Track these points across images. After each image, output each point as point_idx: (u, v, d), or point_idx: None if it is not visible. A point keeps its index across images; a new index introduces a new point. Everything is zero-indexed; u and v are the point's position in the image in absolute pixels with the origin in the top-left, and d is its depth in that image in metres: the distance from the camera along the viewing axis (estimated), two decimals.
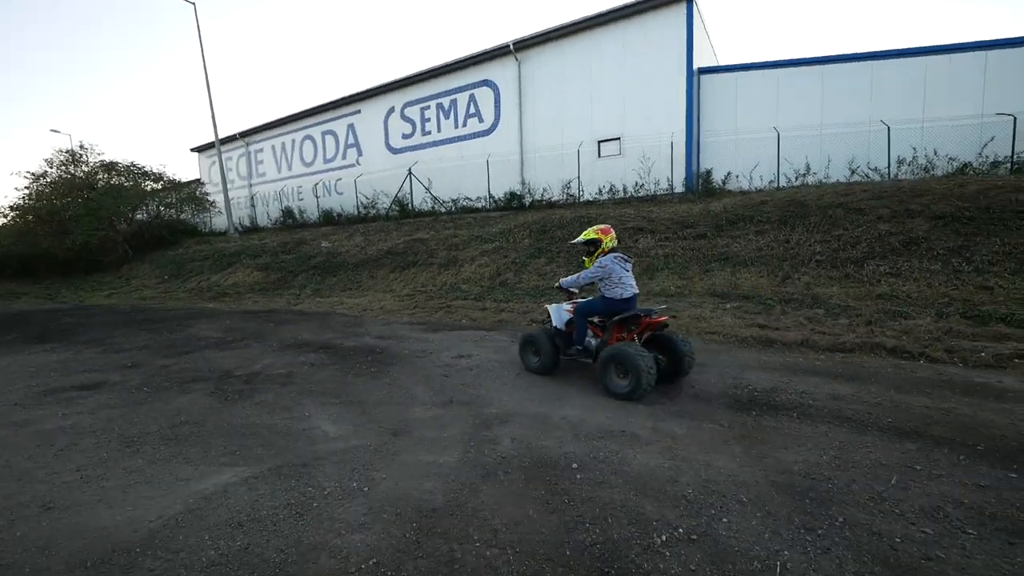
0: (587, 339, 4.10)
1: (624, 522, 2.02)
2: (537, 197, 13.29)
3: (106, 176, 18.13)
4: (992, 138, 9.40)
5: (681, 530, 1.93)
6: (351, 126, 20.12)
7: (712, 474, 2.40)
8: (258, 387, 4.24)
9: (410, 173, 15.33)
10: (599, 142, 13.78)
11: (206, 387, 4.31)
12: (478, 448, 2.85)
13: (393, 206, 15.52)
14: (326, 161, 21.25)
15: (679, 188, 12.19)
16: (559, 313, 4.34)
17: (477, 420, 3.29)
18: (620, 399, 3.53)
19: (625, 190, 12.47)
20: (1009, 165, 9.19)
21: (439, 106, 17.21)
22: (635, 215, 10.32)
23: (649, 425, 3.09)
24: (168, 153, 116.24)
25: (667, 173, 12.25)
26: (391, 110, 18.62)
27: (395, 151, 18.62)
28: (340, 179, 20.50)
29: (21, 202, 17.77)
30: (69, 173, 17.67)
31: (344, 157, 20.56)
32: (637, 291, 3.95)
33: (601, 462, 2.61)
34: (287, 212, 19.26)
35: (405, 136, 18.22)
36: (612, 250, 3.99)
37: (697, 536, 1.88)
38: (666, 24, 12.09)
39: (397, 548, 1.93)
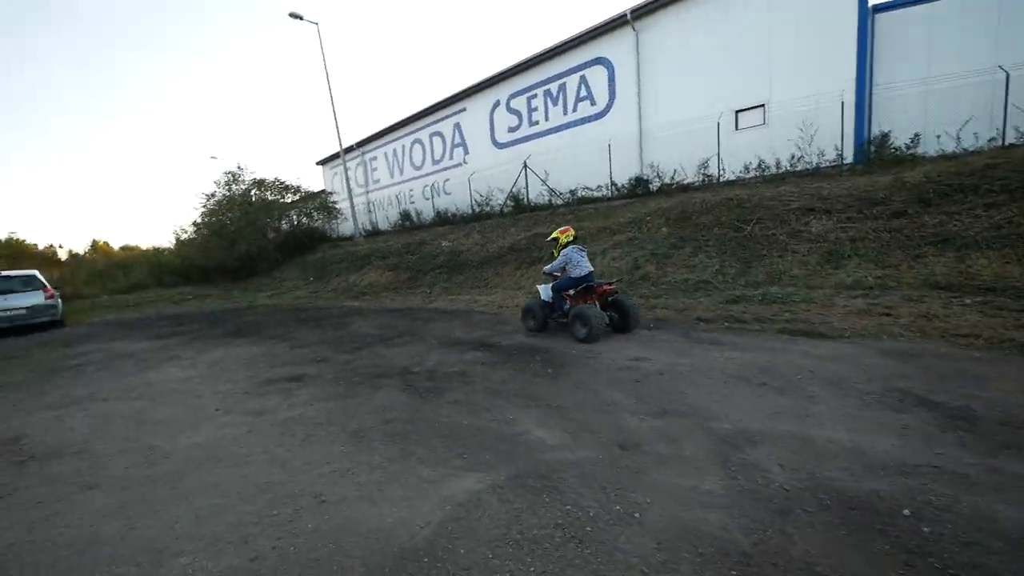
0: (564, 306, 5.80)
1: None
2: (666, 180, 12.21)
3: (258, 192, 20.95)
4: None
5: None
6: (457, 125, 20.33)
7: None
8: (442, 385, 4.23)
9: (525, 166, 15.21)
10: (736, 112, 12.11)
11: (394, 383, 4.42)
12: (744, 474, 2.37)
13: (508, 201, 15.53)
14: (434, 163, 21.88)
15: (850, 158, 10.28)
16: (546, 291, 5.99)
17: (714, 437, 2.81)
18: (581, 341, 5.24)
19: (779, 164, 10.88)
20: None
21: (547, 93, 16.49)
22: (798, 193, 8.88)
23: (971, 461, 2.34)
24: (291, 167, 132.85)
25: (835, 141, 10.35)
26: (496, 103, 18.34)
27: (500, 146, 18.38)
28: (448, 179, 21.05)
29: (200, 220, 21.43)
30: (232, 191, 20.73)
31: (451, 157, 20.97)
32: (592, 269, 5.64)
33: (943, 511, 1.97)
34: (404, 215, 20.47)
35: (511, 129, 17.88)
36: (571, 243, 5.77)
37: None
38: None
39: None
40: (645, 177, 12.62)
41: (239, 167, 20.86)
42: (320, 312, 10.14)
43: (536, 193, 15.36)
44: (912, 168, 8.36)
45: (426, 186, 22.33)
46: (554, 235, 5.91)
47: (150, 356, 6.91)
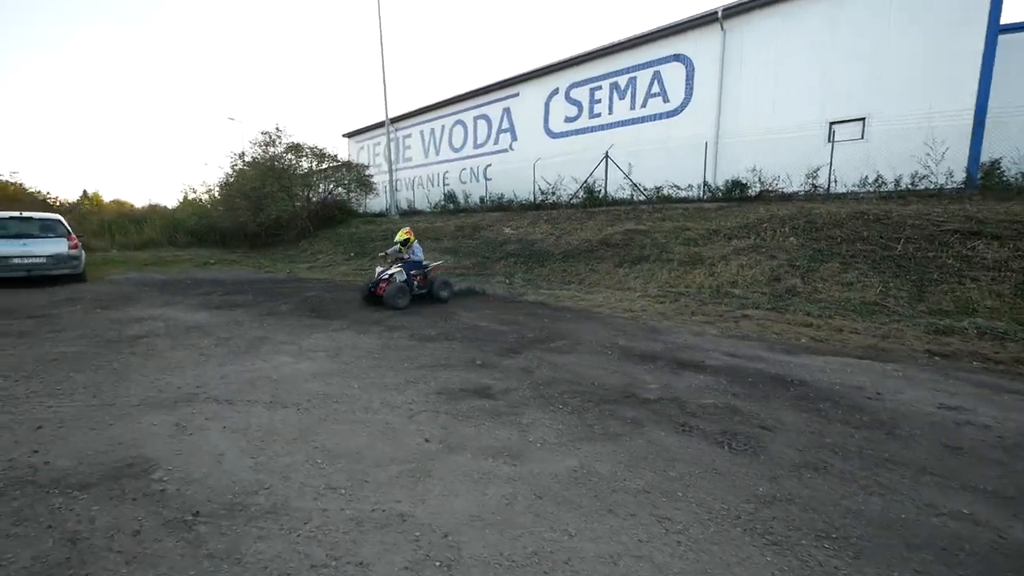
0: (414, 283, 7.59)
1: None
2: (767, 187, 11.22)
3: (292, 157, 19.17)
4: None
5: None
6: (507, 110, 19.26)
7: None
8: (725, 428, 3.05)
9: (607, 157, 14.00)
10: (831, 124, 11.38)
11: (646, 417, 3.22)
12: None
13: (579, 192, 14.30)
14: (476, 146, 20.68)
15: (975, 182, 9.59)
16: (401, 274, 7.44)
17: None
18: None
19: (899, 182, 9.98)
20: None
21: (614, 86, 15.64)
22: (943, 213, 8.00)
23: None
24: (309, 136, 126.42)
25: (961, 162, 9.60)
26: (555, 91, 17.38)
27: (554, 135, 17.46)
28: (489, 164, 19.91)
29: (227, 180, 19.55)
30: (267, 153, 18.87)
31: (496, 142, 19.80)
32: (423, 258, 7.98)
33: None
34: (449, 196, 19.03)
35: (568, 119, 16.95)
36: (415, 240, 7.90)
37: None
38: None
39: None
40: (744, 181, 11.58)
41: (277, 129, 18.98)
42: None
43: (615, 186, 14.20)
44: None
45: (463, 169, 21.11)
46: (402, 236, 7.73)
47: (228, 332, 5.56)
